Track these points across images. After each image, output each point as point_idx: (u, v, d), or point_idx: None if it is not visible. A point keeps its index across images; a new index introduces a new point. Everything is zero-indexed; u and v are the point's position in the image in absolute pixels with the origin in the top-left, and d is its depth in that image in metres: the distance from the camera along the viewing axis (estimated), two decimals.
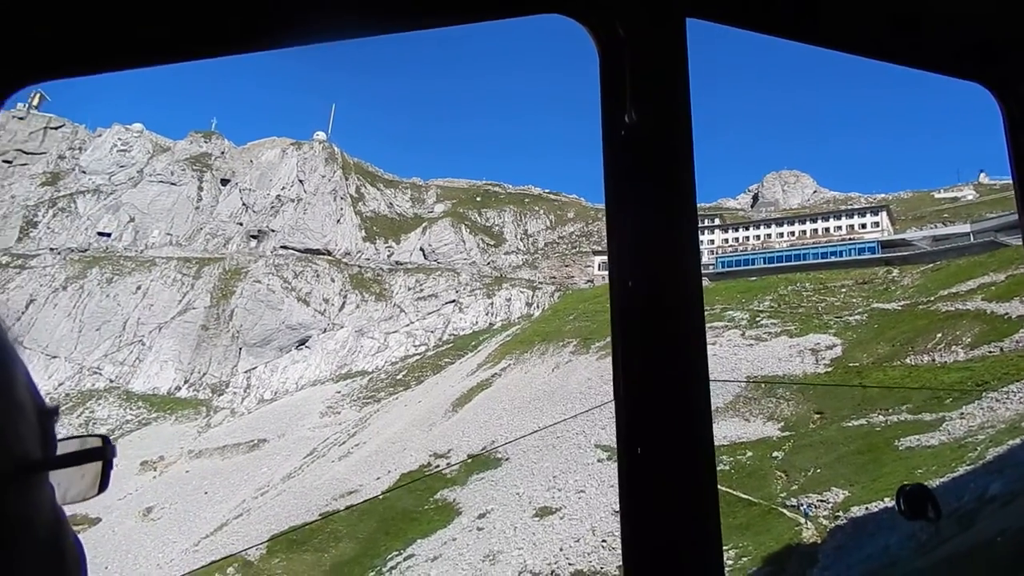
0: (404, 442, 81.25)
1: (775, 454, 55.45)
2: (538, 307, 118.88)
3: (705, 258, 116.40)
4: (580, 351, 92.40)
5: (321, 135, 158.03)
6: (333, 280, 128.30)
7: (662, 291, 1.60)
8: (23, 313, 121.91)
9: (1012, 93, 2.15)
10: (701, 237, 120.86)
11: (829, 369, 69.97)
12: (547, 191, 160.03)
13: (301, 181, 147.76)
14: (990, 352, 59.39)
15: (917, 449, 46.24)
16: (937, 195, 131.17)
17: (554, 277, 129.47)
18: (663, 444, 1.53)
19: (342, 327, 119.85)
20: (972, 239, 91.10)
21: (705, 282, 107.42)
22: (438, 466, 73.13)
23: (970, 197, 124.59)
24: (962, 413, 49.50)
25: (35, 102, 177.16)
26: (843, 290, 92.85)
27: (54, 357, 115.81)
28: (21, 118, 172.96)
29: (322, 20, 1.58)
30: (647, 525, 1.51)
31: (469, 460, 72.62)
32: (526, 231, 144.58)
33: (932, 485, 37.33)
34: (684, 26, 1.76)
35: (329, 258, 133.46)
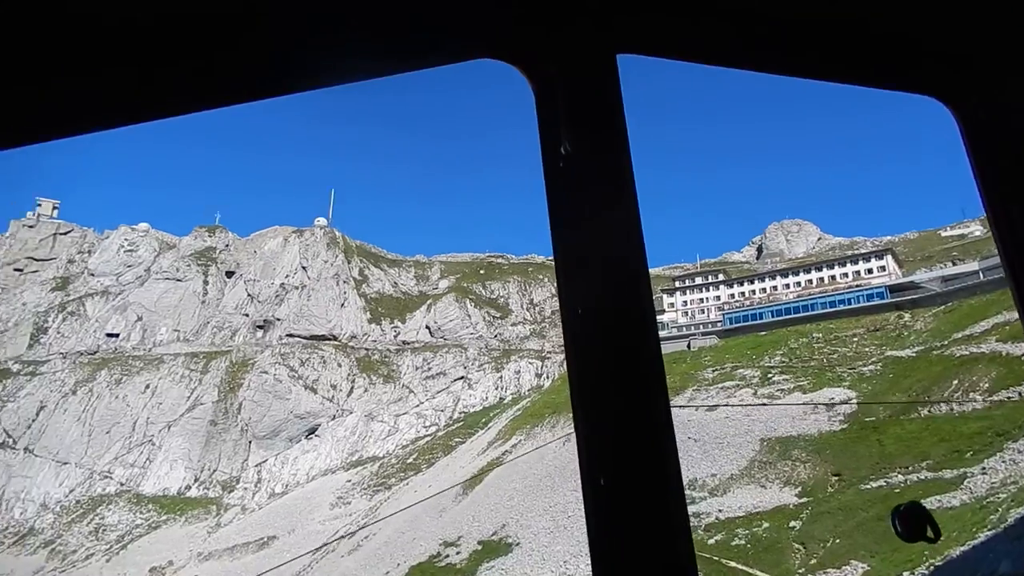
0: (414, 531, 78.71)
1: (792, 524, 52.79)
2: (548, 377, 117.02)
3: (712, 315, 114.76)
4: None
5: (322, 221, 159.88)
6: (340, 365, 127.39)
7: (613, 315, 1.60)
8: (34, 420, 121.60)
9: (966, 103, 2.15)
10: (707, 294, 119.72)
11: (845, 426, 67.35)
12: (550, 259, 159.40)
13: (304, 268, 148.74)
14: (1009, 398, 56.95)
15: (938, 512, 43.52)
16: (944, 233, 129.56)
17: (562, 346, 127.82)
18: (626, 470, 1.50)
19: (351, 413, 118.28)
20: (982, 276, 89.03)
21: (714, 340, 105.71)
22: (447, 556, 70.55)
23: (978, 233, 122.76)
24: (984, 468, 47.01)
25: (46, 210, 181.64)
26: (855, 339, 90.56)
27: (65, 463, 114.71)
28: (31, 226, 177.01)
29: (275, 76, 1.69)
30: (616, 554, 1.46)
31: (479, 548, 70.14)
32: (531, 300, 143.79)
33: (954, 555, 34.99)
34: (614, 61, 1.82)
35: (335, 343, 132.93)
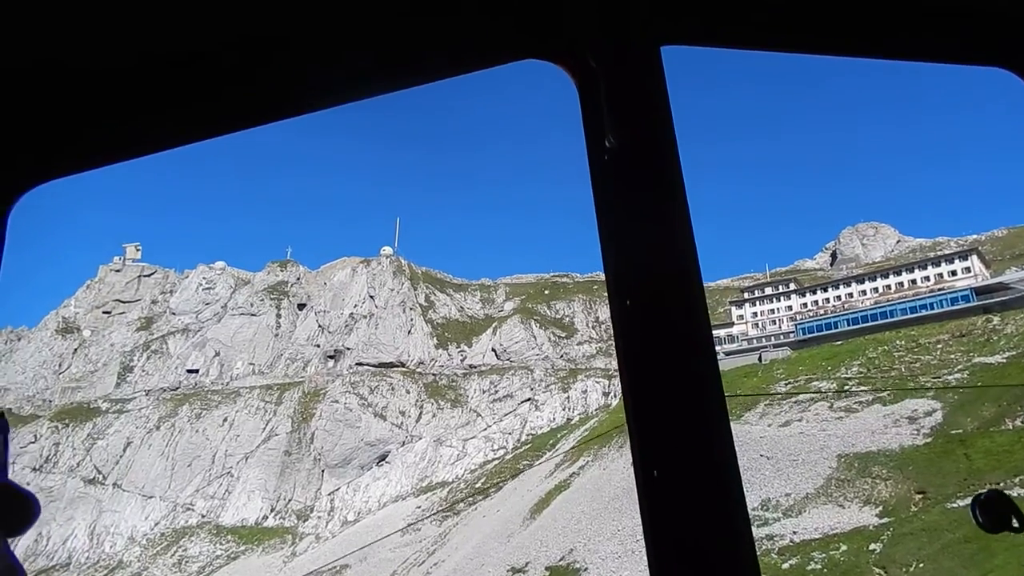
0: (482, 557, 77.83)
1: (873, 547, 49.49)
2: (615, 396, 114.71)
3: (784, 326, 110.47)
4: None
5: (388, 249, 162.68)
6: (408, 392, 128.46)
7: (663, 308, 1.61)
8: (121, 456, 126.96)
9: None
10: (778, 304, 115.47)
11: (929, 440, 63.11)
12: None
13: (372, 297, 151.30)
14: None
15: None
16: None
17: None
18: (680, 463, 1.51)
19: (420, 438, 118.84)
20: None
21: (786, 352, 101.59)
22: None
23: None
24: None
25: (131, 254, 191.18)
26: (939, 346, 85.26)
27: (150, 497, 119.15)
28: (118, 271, 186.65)
29: (315, 89, 1.76)
30: (672, 548, 1.47)
31: (547, 574, 68.69)
32: (597, 318, 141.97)
33: None
34: (658, 53, 1.83)
35: (403, 369, 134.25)
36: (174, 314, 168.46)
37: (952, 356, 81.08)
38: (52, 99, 1.62)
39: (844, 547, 51.19)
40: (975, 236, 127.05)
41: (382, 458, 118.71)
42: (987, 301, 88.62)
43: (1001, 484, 49.65)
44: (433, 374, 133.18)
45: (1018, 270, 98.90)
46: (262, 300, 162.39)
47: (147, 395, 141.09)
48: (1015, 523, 1.92)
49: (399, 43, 1.82)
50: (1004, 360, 73.00)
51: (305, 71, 1.78)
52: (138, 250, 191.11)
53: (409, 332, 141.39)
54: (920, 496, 54.80)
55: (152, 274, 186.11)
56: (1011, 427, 57.97)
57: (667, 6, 1.89)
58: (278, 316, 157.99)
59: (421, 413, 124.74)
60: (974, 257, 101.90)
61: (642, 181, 1.71)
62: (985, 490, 2.04)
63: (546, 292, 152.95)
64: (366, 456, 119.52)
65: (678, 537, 1.46)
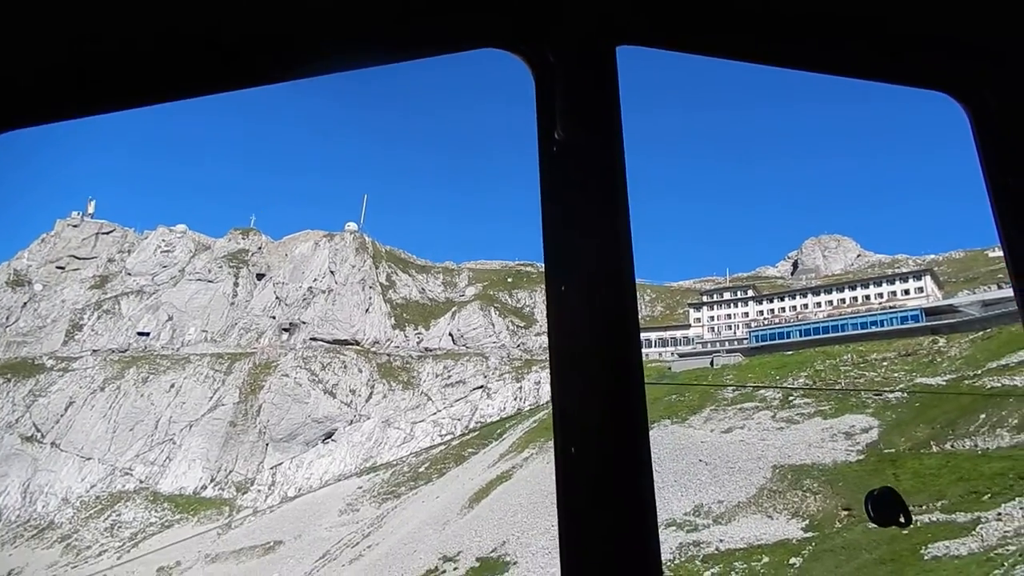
0: (416, 542, 77.40)
1: (792, 561, 49.77)
2: None
3: (739, 332, 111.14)
4: None
5: (352, 225, 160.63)
6: (361, 370, 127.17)
7: (596, 297, 1.66)
8: (62, 415, 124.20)
9: (978, 98, 2.11)
10: (735, 310, 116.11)
11: (862, 457, 63.76)
12: None
13: (332, 272, 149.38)
14: None
15: (944, 560, 40.44)
16: (991, 253, 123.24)
17: None
18: (597, 444, 1.55)
19: (368, 418, 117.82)
20: None
21: (738, 358, 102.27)
22: (444, 572, 68.98)
23: None
24: (999, 514, 43.45)
25: (90, 210, 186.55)
26: (884, 364, 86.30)
27: (88, 459, 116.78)
28: (75, 226, 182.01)
29: (277, 62, 1.79)
30: (582, 523, 1.52)
31: (477, 564, 68.44)
32: None
33: None
34: (613, 53, 1.88)
35: (358, 348, 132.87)
36: (130, 275, 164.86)
37: (896, 375, 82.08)
38: (26, 42, 1.57)
39: (766, 559, 51.47)
40: (933, 256, 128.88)
41: (328, 436, 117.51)
42: (935, 322, 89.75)
43: (923, 506, 50.28)
44: (388, 354, 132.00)
45: (969, 293, 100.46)
46: (221, 267, 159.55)
47: (94, 355, 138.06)
48: (902, 519, 2.03)
49: (356, 20, 1.81)
50: (944, 382, 73.94)
51: (272, 37, 1.78)
52: (92, 205, 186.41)
53: (367, 310, 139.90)
54: (846, 513, 55.28)
55: (111, 232, 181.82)
56: (940, 450, 58.73)
57: (627, 7, 1.93)
58: (236, 284, 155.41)
59: (372, 393, 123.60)
60: (928, 277, 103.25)
61: (587, 175, 1.76)
62: (878, 488, 2.11)
63: (509, 280, 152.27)
64: (312, 432, 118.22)
65: (588, 513, 1.51)
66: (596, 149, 1.80)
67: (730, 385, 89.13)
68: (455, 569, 68.59)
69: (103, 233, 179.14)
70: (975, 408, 63.23)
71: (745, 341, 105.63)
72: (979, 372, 72.29)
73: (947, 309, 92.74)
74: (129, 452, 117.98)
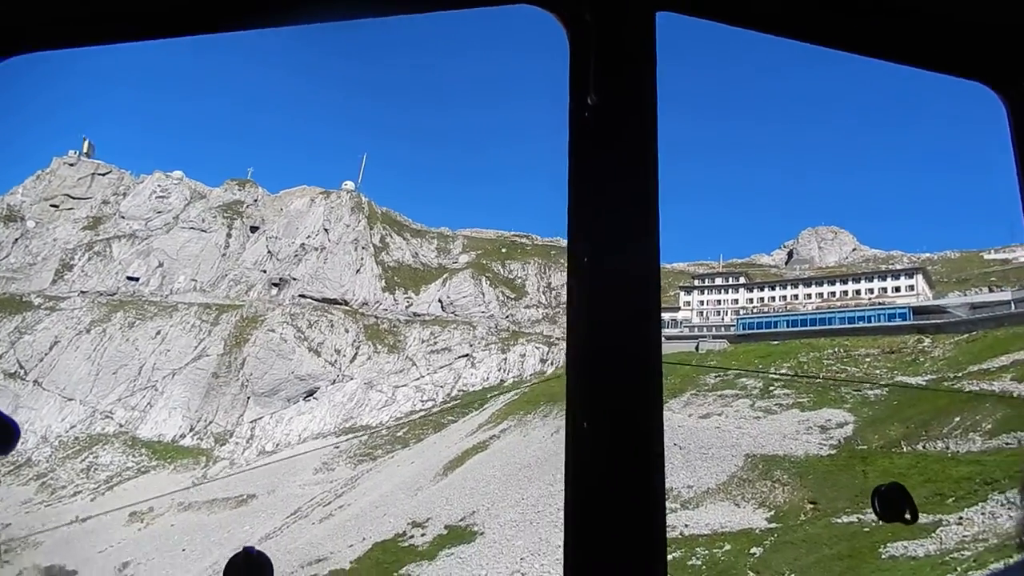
0: (387, 506, 77.84)
1: (754, 550, 50.04)
2: (552, 364, 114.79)
3: (728, 318, 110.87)
4: None
5: (350, 184, 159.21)
6: (347, 331, 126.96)
7: (618, 267, 1.64)
8: (46, 354, 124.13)
9: (1016, 89, 2.07)
10: (725, 296, 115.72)
11: (834, 452, 63.87)
12: None
13: (326, 230, 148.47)
14: (1007, 444, 53.10)
15: (901, 559, 40.59)
16: (987, 256, 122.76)
17: None
18: (611, 421, 1.53)
19: (351, 379, 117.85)
20: (1013, 307, 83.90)
21: (724, 344, 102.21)
22: (412, 536, 69.42)
23: (1023, 258, 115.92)
24: (960, 518, 43.57)
25: (86, 149, 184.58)
26: (867, 359, 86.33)
27: (70, 399, 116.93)
28: (72, 164, 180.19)
29: (305, 3, 1.71)
30: (589, 500, 1.51)
31: (445, 532, 68.87)
32: (549, 284, 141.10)
33: None
34: (652, 18, 1.83)
35: (346, 308, 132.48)
36: (123, 218, 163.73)
37: (877, 371, 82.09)
38: None
39: (728, 546, 51.72)
40: (928, 255, 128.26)
41: (310, 393, 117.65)
42: (922, 322, 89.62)
43: None
44: (375, 316, 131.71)
45: (959, 295, 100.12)
46: (215, 217, 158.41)
47: (82, 296, 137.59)
48: (907, 515, 2.03)
49: None
50: (924, 382, 73.92)
51: None
52: (91, 146, 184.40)
53: (358, 271, 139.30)
54: (811, 506, 55.53)
55: (107, 173, 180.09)
56: (911, 451, 58.83)
57: None
58: (228, 236, 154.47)
59: (356, 354, 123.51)
60: (920, 276, 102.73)
61: (619, 142, 1.71)
62: (887, 483, 2.08)
63: (503, 250, 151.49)
64: (294, 389, 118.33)
65: (596, 491, 1.50)
66: (631, 118, 1.74)
67: (726, 368, 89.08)
68: (423, 535, 69.04)
69: (99, 174, 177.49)
70: (951, 410, 63.36)
71: (733, 328, 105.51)
72: (960, 375, 72.28)
73: (935, 309, 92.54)
74: (111, 395, 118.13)
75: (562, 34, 1.82)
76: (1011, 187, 2.03)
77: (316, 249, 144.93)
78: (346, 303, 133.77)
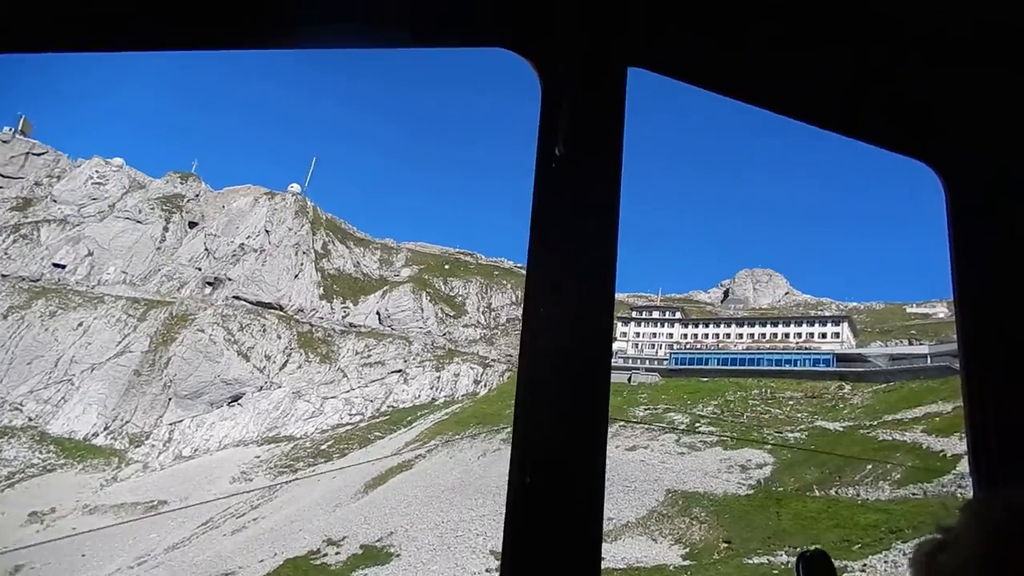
0: (303, 522, 75.84)
1: None
2: (485, 385, 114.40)
3: (662, 352, 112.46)
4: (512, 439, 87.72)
5: (296, 187, 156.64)
6: (280, 337, 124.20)
7: (573, 321, 1.65)
8: None
9: (955, 173, 2.20)
10: (661, 329, 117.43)
11: (751, 492, 65.05)
12: (519, 265, 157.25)
13: (268, 232, 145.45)
14: (913, 494, 54.92)
15: None
16: (909, 309, 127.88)
17: (510, 356, 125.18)
18: (555, 478, 1.53)
19: (280, 387, 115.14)
20: (929, 361, 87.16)
21: (656, 378, 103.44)
22: (326, 555, 67.73)
23: (942, 315, 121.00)
24: (865, 565, 44.75)
25: (21, 127, 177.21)
26: (791, 402, 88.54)
27: None
28: (5, 141, 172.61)
29: (291, 28, 1.72)
30: (527, 558, 1.50)
31: (360, 551, 67.44)
32: (489, 305, 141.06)
33: None
34: (624, 73, 1.88)
35: (280, 313, 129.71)
36: (55, 202, 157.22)
37: (799, 415, 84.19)
38: None
39: None
40: (855, 304, 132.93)
41: (235, 399, 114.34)
42: (845, 369, 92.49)
43: (797, 548, 51.37)
44: (311, 324, 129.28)
45: (881, 345, 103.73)
46: (153, 209, 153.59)
47: (3, 280, 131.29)
48: None
49: None
50: (841, 428, 76.09)
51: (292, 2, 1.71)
52: (29, 125, 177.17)
53: (296, 276, 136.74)
54: (725, 545, 56.26)
55: (43, 154, 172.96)
56: (823, 495, 60.31)
57: (642, 27, 1.95)
58: (165, 229, 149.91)
59: (287, 361, 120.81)
60: (845, 324, 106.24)
61: (583, 195, 1.73)
62: (812, 547, 2.07)
63: (446, 267, 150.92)
64: (219, 393, 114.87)
65: (535, 548, 1.48)
66: (597, 171, 1.76)
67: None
68: (337, 553, 67.43)
69: (35, 154, 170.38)
70: (864, 457, 65.30)
71: (665, 362, 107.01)
72: (875, 423, 74.64)
73: (857, 357, 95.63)
74: (23, 386, 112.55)
75: (535, 80, 1.82)
76: (943, 254, 2.16)
77: (255, 250, 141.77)
78: (281, 308, 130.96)
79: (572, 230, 1.71)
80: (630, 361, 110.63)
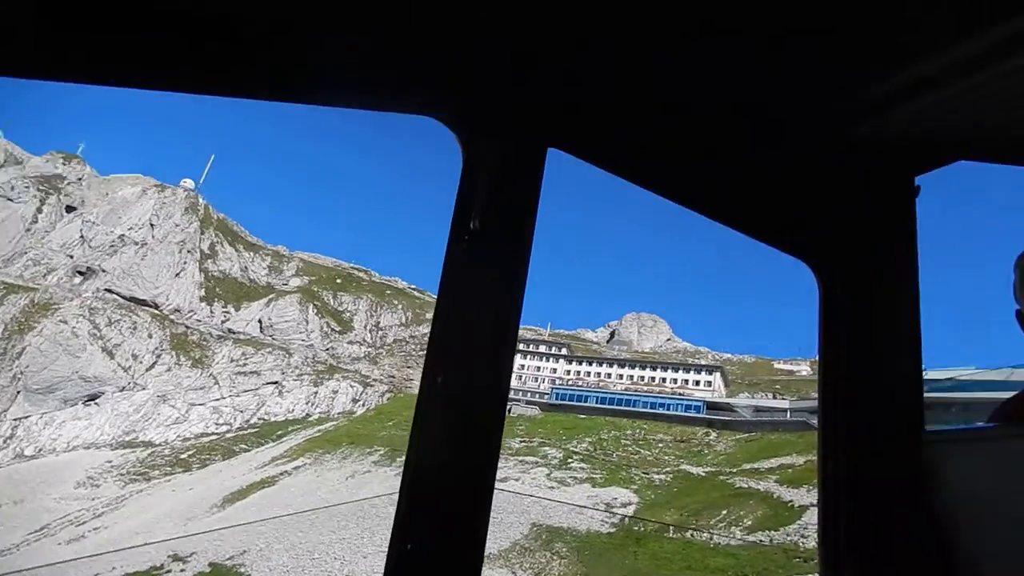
0: (150, 534, 71.35)
1: None
2: (364, 405, 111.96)
3: (544, 386, 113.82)
4: (383, 462, 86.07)
5: (189, 183, 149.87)
6: (151, 336, 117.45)
7: (470, 391, 1.69)
8: None
9: (827, 270, 2.50)
10: (546, 364, 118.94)
11: (613, 530, 66.34)
12: (412, 286, 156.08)
13: (153, 225, 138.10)
14: (760, 541, 57.44)
15: None
16: (777, 364, 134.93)
17: (392, 376, 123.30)
18: (433, 550, 1.57)
19: (144, 389, 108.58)
20: (789, 416, 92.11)
21: (535, 411, 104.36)
22: (169, 572, 63.92)
23: (804, 373, 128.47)
24: None
25: None
26: (660, 444, 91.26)
27: None
28: None
29: (254, 78, 1.75)
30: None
31: (207, 570, 64.05)
32: (378, 323, 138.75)
33: None
34: (544, 153, 1.97)
35: (155, 312, 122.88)
36: None
37: (666, 457, 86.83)
38: None
39: None
40: (729, 355, 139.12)
41: (92, 398, 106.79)
42: (713, 416, 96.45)
43: None
44: (186, 326, 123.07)
45: (748, 396, 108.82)
46: (28, 187, 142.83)
47: None
48: None
49: (323, 55, 1.79)
50: (704, 474, 78.96)
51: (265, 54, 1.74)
52: None
53: (177, 275, 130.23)
54: None
55: None
56: (680, 537, 62.20)
57: (563, 112, 2.06)
58: (39, 211, 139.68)
59: (155, 363, 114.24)
60: (718, 374, 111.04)
61: (493, 273, 1.78)
62: None
63: (338, 280, 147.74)
64: (75, 390, 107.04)
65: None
66: (508, 248, 1.81)
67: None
68: (182, 571, 63.84)
69: None
70: (720, 503, 67.94)
71: (547, 396, 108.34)
72: (734, 470, 77.89)
73: (726, 406, 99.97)
74: None
75: (458, 151, 1.86)
76: (809, 319, 2.58)
77: (136, 243, 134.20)
78: (156, 306, 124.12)
79: (478, 300, 1.74)
80: (514, 393, 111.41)
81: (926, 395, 2.57)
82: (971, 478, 2.15)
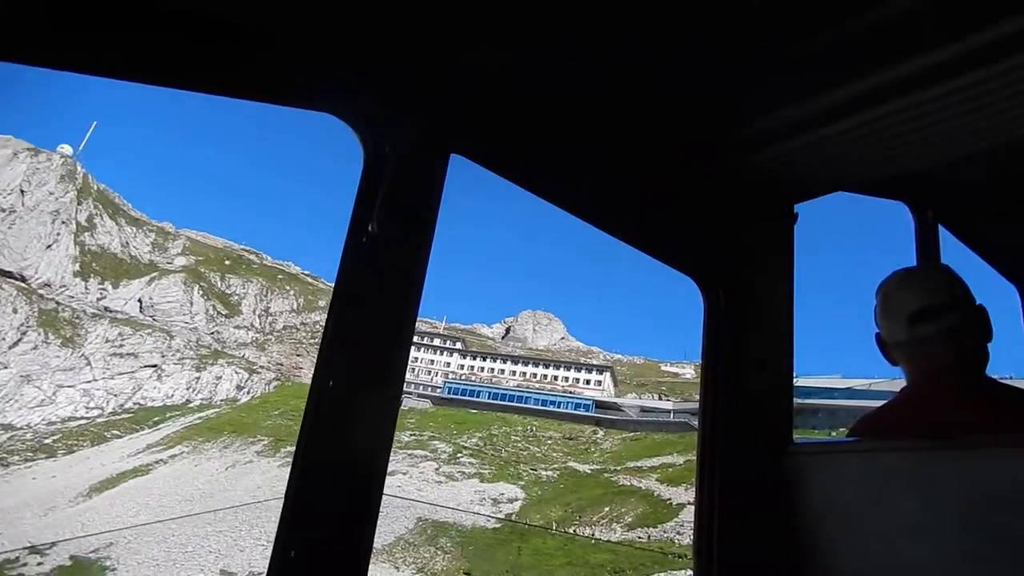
0: (5, 525, 66.25)
1: None
2: (249, 392, 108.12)
3: (437, 380, 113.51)
4: (267, 453, 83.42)
5: (67, 149, 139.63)
6: (16, 311, 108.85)
7: (362, 396, 1.67)
8: None
9: (710, 286, 2.67)
10: (440, 357, 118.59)
11: (498, 526, 67.04)
12: (306, 272, 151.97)
13: (23, 192, 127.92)
14: (639, 538, 59.55)
15: None
16: (663, 367, 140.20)
17: (280, 364, 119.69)
18: (319, 553, 1.54)
19: (5, 367, 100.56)
20: (672, 416, 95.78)
21: (427, 404, 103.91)
22: (25, 564, 59.65)
23: (688, 376, 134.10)
24: None
25: None
26: (549, 441, 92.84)
27: None
28: None
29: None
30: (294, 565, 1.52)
31: (68, 563, 60.18)
32: (267, 308, 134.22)
33: None
34: (446, 159, 1.97)
35: (21, 285, 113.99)
36: None
37: (554, 454, 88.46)
38: None
39: None
40: (619, 356, 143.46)
41: None
42: (601, 415, 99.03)
43: None
44: (57, 302, 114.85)
45: (635, 397, 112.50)
46: None
47: None
48: None
49: (227, 39, 1.72)
50: (589, 471, 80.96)
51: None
52: None
53: (49, 247, 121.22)
54: None
55: None
56: (563, 533, 63.62)
57: (464, 117, 2.07)
58: None
59: (20, 340, 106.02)
60: (608, 374, 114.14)
61: (389, 278, 1.78)
62: None
63: (227, 262, 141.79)
64: None
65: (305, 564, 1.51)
66: (406, 252, 1.82)
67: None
68: (39, 564, 59.69)
69: None
70: (603, 500, 69.91)
71: (439, 390, 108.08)
72: (619, 468, 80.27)
73: (613, 406, 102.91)
74: None
75: (360, 153, 1.85)
76: (696, 339, 2.65)
77: (3, 211, 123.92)
78: (24, 279, 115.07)
79: (374, 302, 1.74)
80: (406, 386, 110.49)
81: (796, 401, 2.86)
82: (834, 489, 2.28)
